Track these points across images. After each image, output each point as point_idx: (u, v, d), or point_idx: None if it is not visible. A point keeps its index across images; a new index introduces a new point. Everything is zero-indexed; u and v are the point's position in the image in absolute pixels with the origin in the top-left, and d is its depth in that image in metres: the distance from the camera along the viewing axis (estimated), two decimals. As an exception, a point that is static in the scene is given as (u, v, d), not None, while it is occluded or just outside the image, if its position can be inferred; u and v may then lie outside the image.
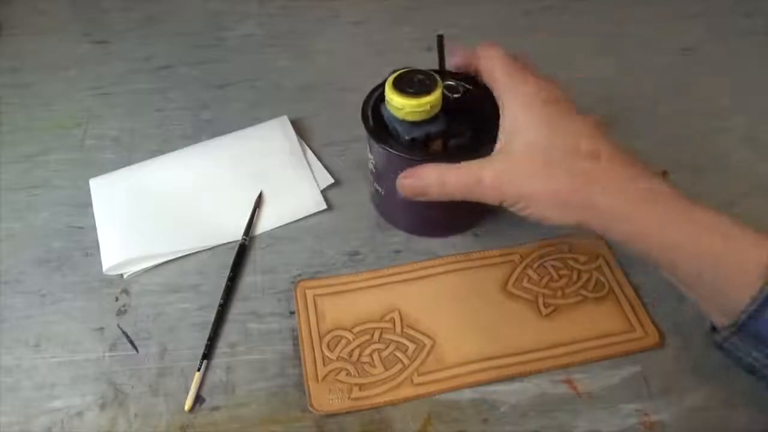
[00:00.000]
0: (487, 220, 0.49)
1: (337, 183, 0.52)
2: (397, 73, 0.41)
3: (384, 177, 0.45)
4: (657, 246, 0.36)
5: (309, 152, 0.54)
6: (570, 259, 0.46)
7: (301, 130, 0.56)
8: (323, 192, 0.51)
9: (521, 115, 0.39)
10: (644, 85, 0.59)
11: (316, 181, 0.52)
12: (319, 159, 0.54)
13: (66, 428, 0.39)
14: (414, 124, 0.41)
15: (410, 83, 0.40)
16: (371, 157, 0.45)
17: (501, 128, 0.40)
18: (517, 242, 0.47)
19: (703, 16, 0.67)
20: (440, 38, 0.43)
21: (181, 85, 0.62)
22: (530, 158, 0.38)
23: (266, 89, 0.61)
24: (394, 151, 0.41)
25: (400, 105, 0.40)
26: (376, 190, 0.47)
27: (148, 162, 0.53)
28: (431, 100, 0.40)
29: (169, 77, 0.63)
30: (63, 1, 0.73)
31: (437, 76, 0.41)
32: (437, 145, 0.42)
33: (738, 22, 0.67)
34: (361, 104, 0.44)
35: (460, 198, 0.40)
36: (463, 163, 0.40)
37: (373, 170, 0.46)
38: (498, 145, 0.40)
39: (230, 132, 0.55)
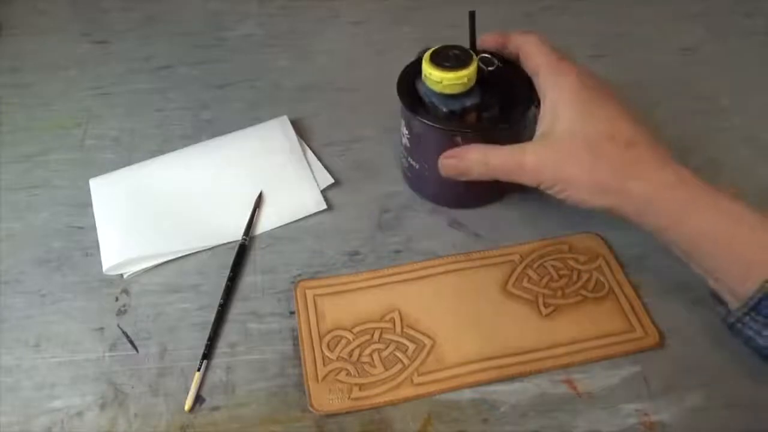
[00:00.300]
0: (492, 214, 0.49)
1: (337, 183, 0.52)
2: (432, 49, 0.43)
3: (419, 151, 0.47)
4: (681, 231, 0.38)
5: (309, 152, 0.54)
6: (570, 259, 0.46)
7: (301, 130, 0.56)
8: (323, 192, 0.51)
9: (561, 102, 0.41)
10: (644, 85, 0.59)
11: (316, 181, 0.52)
12: (319, 159, 0.54)
13: (66, 428, 0.39)
14: (451, 97, 0.43)
15: (446, 58, 0.42)
16: (405, 132, 0.47)
17: (542, 114, 0.42)
18: (517, 242, 0.47)
19: (703, 16, 0.67)
20: (472, 15, 0.44)
21: (181, 85, 0.62)
22: (569, 144, 0.40)
23: (266, 89, 0.61)
24: (433, 123, 0.43)
25: (438, 78, 0.42)
26: (410, 165, 0.49)
27: (148, 162, 0.53)
28: (468, 73, 0.42)
29: (169, 77, 0.63)
30: (63, 1, 0.73)
31: (471, 51, 0.43)
32: (472, 117, 0.44)
33: (738, 22, 0.67)
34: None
35: (501, 179, 0.42)
36: (506, 147, 0.42)
37: (407, 145, 0.48)
38: (539, 131, 0.42)
39: (230, 132, 0.55)
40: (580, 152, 0.40)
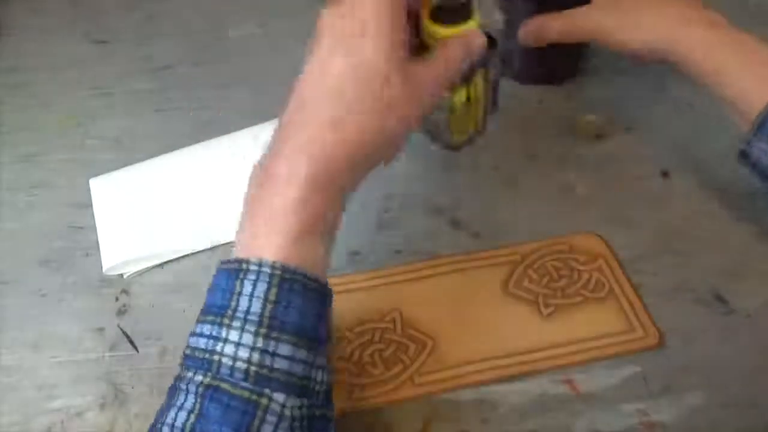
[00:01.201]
0: (492, 214, 0.49)
1: (337, 183, 0.52)
2: None
3: (512, 30, 0.49)
4: (709, 64, 0.43)
5: (309, 152, 0.54)
6: (570, 259, 0.46)
7: (301, 130, 0.56)
8: (323, 192, 0.51)
9: None
10: (644, 85, 0.58)
11: (316, 181, 0.52)
12: (319, 159, 0.53)
13: (66, 428, 0.39)
14: None
15: None
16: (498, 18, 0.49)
17: None
18: (518, 242, 0.47)
19: (703, 16, 0.67)
20: None
21: (181, 85, 0.62)
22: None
23: (266, 89, 0.61)
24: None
25: None
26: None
27: (148, 162, 0.53)
28: None
29: (169, 77, 0.62)
30: (63, 1, 0.73)
31: None
32: None
33: (738, 22, 0.67)
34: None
35: (568, 40, 0.47)
36: (564, 12, 0.47)
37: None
38: None
39: (230, 132, 0.55)
40: (619, 6, 0.45)
